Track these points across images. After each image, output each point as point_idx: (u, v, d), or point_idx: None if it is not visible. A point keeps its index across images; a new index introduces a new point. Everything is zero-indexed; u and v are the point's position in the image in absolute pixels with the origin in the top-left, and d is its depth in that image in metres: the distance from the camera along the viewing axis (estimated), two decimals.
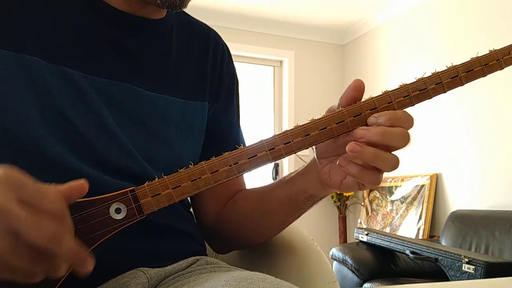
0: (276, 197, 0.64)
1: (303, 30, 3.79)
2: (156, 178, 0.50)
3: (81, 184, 0.42)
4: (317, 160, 0.58)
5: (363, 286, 2.26)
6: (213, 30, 0.77)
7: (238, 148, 0.51)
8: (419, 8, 3.14)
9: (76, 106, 0.56)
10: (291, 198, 0.62)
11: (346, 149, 0.50)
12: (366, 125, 0.51)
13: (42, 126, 0.54)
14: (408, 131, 0.51)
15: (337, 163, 0.52)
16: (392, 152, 0.51)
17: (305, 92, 3.79)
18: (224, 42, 0.77)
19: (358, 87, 0.52)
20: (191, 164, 0.50)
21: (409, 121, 0.51)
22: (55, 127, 0.55)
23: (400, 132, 0.50)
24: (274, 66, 3.88)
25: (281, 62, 3.87)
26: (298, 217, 0.66)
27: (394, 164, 0.51)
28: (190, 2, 0.64)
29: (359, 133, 0.50)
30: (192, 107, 0.68)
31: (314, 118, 0.53)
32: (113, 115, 0.58)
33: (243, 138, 0.77)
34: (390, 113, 0.50)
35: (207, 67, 0.72)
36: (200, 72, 0.70)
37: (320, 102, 3.66)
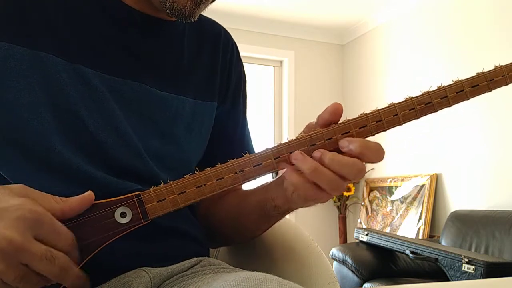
0: (250, 201, 0.64)
1: (303, 30, 3.79)
2: (162, 183, 0.50)
3: (88, 197, 0.47)
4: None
5: (363, 286, 2.26)
6: (224, 29, 0.77)
7: (244, 156, 0.51)
8: (419, 9, 3.14)
9: (88, 105, 0.56)
10: (260, 204, 0.62)
11: (291, 156, 0.50)
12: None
13: (52, 124, 0.54)
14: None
15: (284, 172, 0.51)
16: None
17: (305, 92, 3.79)
18: (233, 41, 0.77)
19: (336, 111, 0.52)
20: (197, 170, 0.51)
21: (378, 154, 0.50)
22: (65, 124, 0.55)
23: (350, 163, 0.49)
24: (274, 66, 3.88)
25: (281, 62, 3.87)
26: (268, 225, 0.66)
27: (333, 185, 0.49)
28: None
29: (314, 156, 0.49)
30: (201, 107, 0.68)
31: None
32: (124, 114, 0.59)
33: (250, 138, 0.78)
34: (361, 141, 0.50)
35: (217, 66, 0.72)
36: (210, 72, 0.71)
37: (320, 102, 3.66)
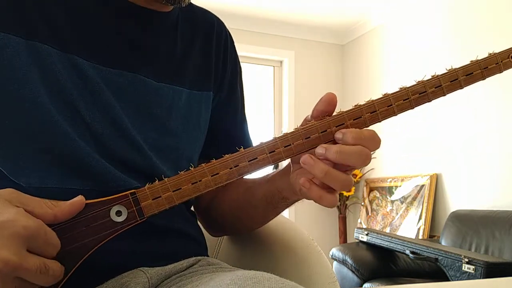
0: (256, 193, 0.65)
1: (303, 30, 3.79)
2: (157, 180, 0.50)
3: (79, 201, 0.47)
4: (291, 164, 0.58)
5: (363, 286, 2.26)
6: (217, 18, 0.77)
7: (239, 151, 0.51)
8: (419, 9, 3.14)
9: (84, 96, 0.56)
10: (267, 196, 0.62)
11: (300, 160, 0.50)
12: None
13: (53, 113, 0.54)
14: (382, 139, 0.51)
15: (300, 182, 0.51)
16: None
17: (305, 92, 3.79)
18: (227, 29, 0.77)
19: (330, 101, 0.52)
20: (192, 167, 0.51)
21: (374, 142, 0.50)
22: (64, 116, 0.55)
23: (357, 151, 0.49)
24: (274, 66, 3.88)
25: (281, 62, 3.87)
26: (276, 215, 0.67)
27: (345, 184, 0.50)
28: (190, 1, 0.64)
29: (318, 152, 0.50)
30: (197, 98, 0.68)
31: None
32: (121, 105, 0.58)
33: (247, 127, 0.78)
34: (355, 132, 0.50)
35: (211, 56, 0.72)
36: (204, 62, 0.71)
37: None
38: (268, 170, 0.58)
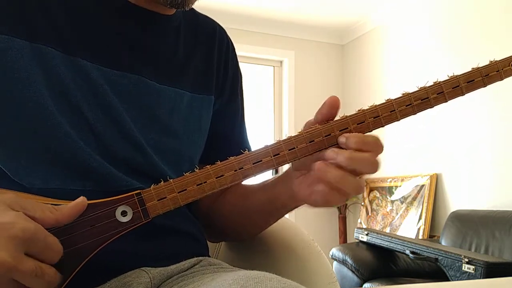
0: (255, 199, 0.65)
1: (303, 30, 3.79)
2: (162, 181, 0.50)
3: (81, 203, 0.47)
4: (292, 171, 0.58)
5: (363, 286, 2.26)
6: (219, 25, 0.78)
7: (243, 153, 0.52)
8: (419, 9, 3.14)
9: (88, 98, 0.57)
10: (267, 203, 0.63)
11: (313, 167, 0.51)
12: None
13: (57, 114, 0.54)
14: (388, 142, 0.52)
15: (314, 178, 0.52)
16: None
17: (305, 92, 3.79)
18: (228, 37, 0.78)
19: (334, 104, 0.53)
20: (197, 168, 0.51)
21: (377, 147, 0.51)
22: (67, 117, 0.55)
23: (368, 158, 0.50)
24: (274, 66, 3.88)
25: (281, 62, 3.87)
26: (276, 220, 0.67)
27: (356, 188, 0.51)
28: None
29: (329, 155, 0.50)
30: (199, 101, 0.68)
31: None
32: (124, 107, 0.59)
33: (246, 133, 0.78)
34: (358, 136, 0.51)
35: (213, 61, 0.72)
36: (206, 66, 0.71)
37: (320, 102, 3.61)
38: (268, 174, 0.58)
